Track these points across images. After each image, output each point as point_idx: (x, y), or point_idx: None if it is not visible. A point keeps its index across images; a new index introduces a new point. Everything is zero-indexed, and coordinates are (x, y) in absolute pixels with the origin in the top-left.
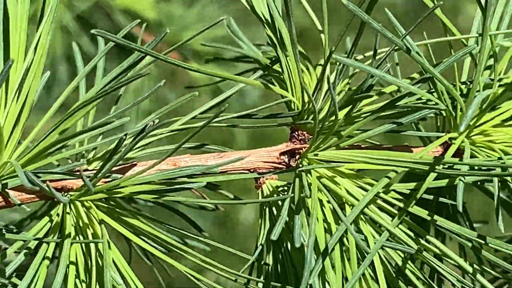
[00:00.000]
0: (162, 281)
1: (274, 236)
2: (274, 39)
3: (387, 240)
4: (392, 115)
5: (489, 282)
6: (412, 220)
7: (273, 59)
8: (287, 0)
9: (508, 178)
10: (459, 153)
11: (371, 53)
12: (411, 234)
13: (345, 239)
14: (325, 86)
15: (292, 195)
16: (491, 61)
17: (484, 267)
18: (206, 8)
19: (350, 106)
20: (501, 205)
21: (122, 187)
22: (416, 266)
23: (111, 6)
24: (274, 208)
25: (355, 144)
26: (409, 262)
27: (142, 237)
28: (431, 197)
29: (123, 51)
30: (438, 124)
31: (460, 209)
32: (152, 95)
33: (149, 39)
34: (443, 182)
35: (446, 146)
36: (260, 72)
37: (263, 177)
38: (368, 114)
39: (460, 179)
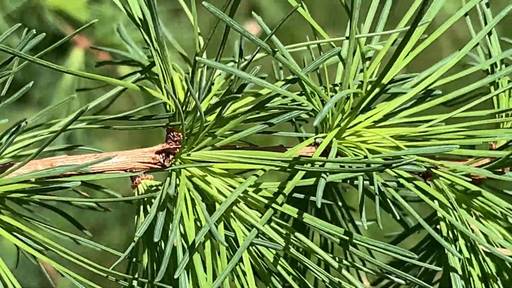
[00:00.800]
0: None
1: (138, 233)
2: (149, 41)
3: (259, 238)
4: (269, 116)
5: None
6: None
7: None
8: (150, 2)
9: (374, 175)
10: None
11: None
12: (282, 231)
13: None
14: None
15: (161, 193)
16: (368, 63)
17: (355, 263)
18: None
19: (220, 108)
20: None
21: None
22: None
23: (43, 6)
24: (148, 207)
25: (232, 144)
26: (281, 259)
27: (15, 234)
28: (302, 196)
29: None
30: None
31: (319, 205)
32: (20, 95)
33: (80, 40)
34: (311, 181)
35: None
36: (138, 75)
37: (139, 176)
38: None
39: (322, 176)
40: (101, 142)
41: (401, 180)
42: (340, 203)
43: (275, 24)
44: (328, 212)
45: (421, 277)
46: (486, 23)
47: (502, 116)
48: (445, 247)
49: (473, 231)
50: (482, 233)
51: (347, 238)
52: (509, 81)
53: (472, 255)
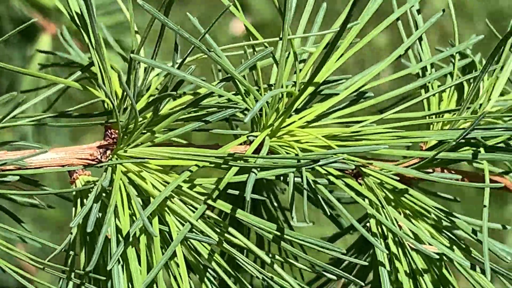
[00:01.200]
0: None
1: (72, 225)
2: (87, 40)
3: (194, 233)
4: (207, 115)
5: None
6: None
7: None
8: (87, 2)
9: (303, 171)
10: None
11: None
12: (217, 226)
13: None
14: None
15: (96, 187)
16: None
17: (288, 259)
18: None
19: (155, 105)
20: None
21: None
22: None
23: None
24: (85, 200)
25: (169, 142)
26: (216, 254)
27: None
28: (236, 192)
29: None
30: None
31: (248, 198)
32: None
33: (48, 27)
34: (244, 177)
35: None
36: (78, 73)
37: (76, 172)
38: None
39: (253, 171)
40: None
41: (331, 178)
42: (275, 204)
43: (262, 19)
44: (264, 211)
45: (356, 275)
46: (417, 29)
47: (432, 118)
48: (371, 242)
49: (401, 228)
50: (411, 231)
51: (279, 233)
52: (439, 86)
53: (400, 252)
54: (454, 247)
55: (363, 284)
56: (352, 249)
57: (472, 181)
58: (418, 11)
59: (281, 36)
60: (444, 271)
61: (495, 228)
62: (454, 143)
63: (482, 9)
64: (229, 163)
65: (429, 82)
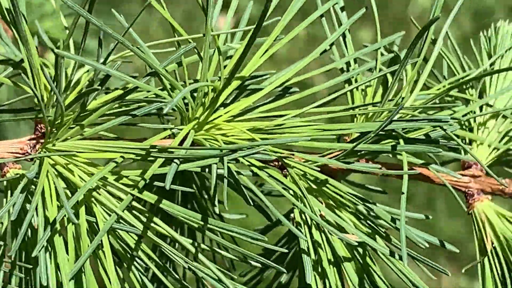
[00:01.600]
0: None
1: None
2: (17, 37)
3: (121, 223)
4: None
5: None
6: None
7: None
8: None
9: (225, 161)
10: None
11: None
12: (141, 217)
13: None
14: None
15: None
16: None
17: (215, 249)
18: None
19: (82, 100)
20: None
21: None
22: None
23: None
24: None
25: (97, 136)
26: (143, 244)
27: None
28: (162, 184)
29: None
30: None
31: (167, 187)
32: None
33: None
34: (167, 169)
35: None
36: (10, 69)
37: (7, 165)
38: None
39: (175, 162)
40: None
41: (255, 169)
42: (206, 196)
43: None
44: (197, 204)
45: (289, 264)
46: (340, 25)
47: (356, 111)
48: (292, 230)
49: (323, 218)
50: (335, 221)
51: (202, 223)
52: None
53: (324, 240)
54: (377, 236)
55: (285, 271)
56: (283, 239)
57: (392, 170)
58: (342, 9)
59: (204, 32)
60: (368, 259)
61: (417, 218)
62: (373, 134)
63: (466, 5)
64: (152, 155)
65: (353, 77)
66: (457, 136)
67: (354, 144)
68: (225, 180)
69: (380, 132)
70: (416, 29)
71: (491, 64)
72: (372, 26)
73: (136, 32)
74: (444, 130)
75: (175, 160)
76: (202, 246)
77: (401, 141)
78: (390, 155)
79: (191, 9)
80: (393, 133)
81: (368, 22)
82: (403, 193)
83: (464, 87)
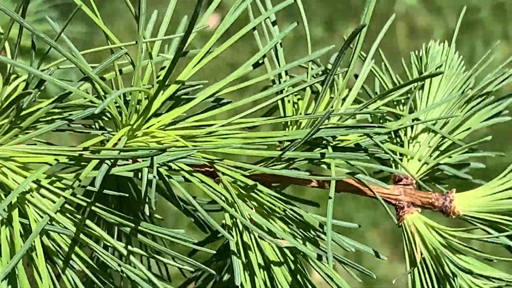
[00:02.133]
0: None
1: None
2: None
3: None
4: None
5: None
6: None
7: None
8: None
9: (155, 164)
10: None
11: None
12: (75, 219)
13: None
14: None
15: None
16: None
17: (148, 251)
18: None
19: (17, 104)
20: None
21: None
22: None
23: None
24: None
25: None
26: (77, 246)
27: None
28: (94, 188)
29: None
30: None
31: (97, 187)
32: None
33: None
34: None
35: None
36: None
37: None
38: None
39: (106, 163)
40: None
41: (185, 174)
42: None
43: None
44: (130, 209)
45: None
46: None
47: (288, 122)
48: (220, 232)
49: (253, 222)
50: (265, 226)
51: (133, 225)
52: (295, 94)
53: (254, 244)
54: (306, 241)
55: (214, 273)
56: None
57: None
58: (274, 23)
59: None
60: (298, 264)
61: (340, 225)
62: (301, 141)
63: (452, 3)
64: (84, 156)
65: (284, 89)
66: (390, 151)
67: (283, 151)
68: (154, 181)
69: (312, 141)
70: (401, 27)
71: (421, 80)
72: (358, 23)
73: (120, 29)
74: (371, 137)
75: (106, 161)
76: (135, 249)
77: (330, 148)
78: (326, 167)
79: (178, 9)
80: (323, 142)
81: (355, 19)
82: (330, 197)
83: (395, 103)
